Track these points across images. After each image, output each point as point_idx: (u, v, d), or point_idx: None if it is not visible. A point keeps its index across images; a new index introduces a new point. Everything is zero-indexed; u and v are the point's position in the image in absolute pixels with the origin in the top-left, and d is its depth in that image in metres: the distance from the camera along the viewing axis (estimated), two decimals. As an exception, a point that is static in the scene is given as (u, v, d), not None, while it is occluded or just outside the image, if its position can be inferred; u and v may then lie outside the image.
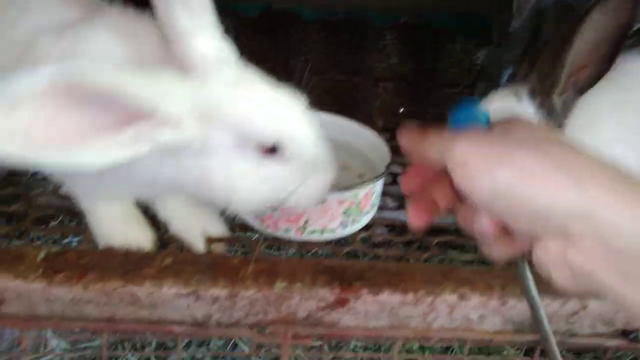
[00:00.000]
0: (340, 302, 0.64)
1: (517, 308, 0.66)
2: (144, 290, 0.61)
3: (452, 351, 1.03)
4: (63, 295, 0.60)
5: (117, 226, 0.66)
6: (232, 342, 1.09)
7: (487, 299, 0.66)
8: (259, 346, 0.83)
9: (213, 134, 0.54)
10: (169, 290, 0.61)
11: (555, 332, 0.69)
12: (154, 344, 1.22)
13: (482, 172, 0.42)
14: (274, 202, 0.61)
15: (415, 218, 0.51)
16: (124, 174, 0.56)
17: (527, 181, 0.40)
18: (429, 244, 0.79)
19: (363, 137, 0.86)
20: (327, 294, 0.64)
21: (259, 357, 0.97)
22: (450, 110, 0.49)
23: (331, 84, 1.28)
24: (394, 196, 0.92)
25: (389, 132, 0.88)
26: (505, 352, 1.02)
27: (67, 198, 0.80)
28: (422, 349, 1.08)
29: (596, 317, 0.68)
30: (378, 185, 0.75)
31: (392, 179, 0.94)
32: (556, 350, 0.58)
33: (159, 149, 0.50)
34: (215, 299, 0.62)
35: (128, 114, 0.47)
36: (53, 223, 0.88)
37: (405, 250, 0.77)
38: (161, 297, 0.61)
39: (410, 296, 0.65)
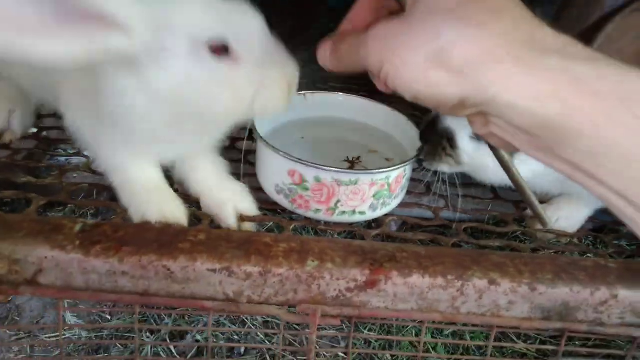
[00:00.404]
0: (371, 283, 0.65)
1: (547, 295, 0.66)
2: (178, 264, 0.61)
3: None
4: (99, 266, 0.61)
5: (152, 201, 0.67)
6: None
7: (516, 285, 0.66)
8: (288, 325, 0.84)
9: (166, 41, 0.56)
10: (203, 265, 0.62)
11: (583, 321, 0.69)
12: (168, 328, 1.25)
13: (395, 78, 0.42)
14: (241, 109, 0.62)
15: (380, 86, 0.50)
16: (115, 117, 0.61)
17: (433, 79, 0.40)
18: (458, 229, 0.78)
19: (392, 121, 0.86)
20: (358, 275, 0.64)
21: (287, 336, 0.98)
22: None
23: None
24: (421, 181, 0.92)
25: (415, 119, 0.88)
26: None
27: (100, 174, 0.82)
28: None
29: (627, 307, 0.67)
30: (409, 169, 0.75)
31: (419, 164, 0.94)
32: (535, 202, 0.61)
33: (114, 57, 0.53)
34: (249, 275, 0.62)
35: (81, 13, 0.49)
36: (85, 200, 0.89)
37: (434, 235, 0.77)
38: (195, 272, 0.62)
39: (440, 280, 0.65)
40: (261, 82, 0.60)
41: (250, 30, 0.60)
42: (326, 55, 0.52)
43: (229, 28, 0.58)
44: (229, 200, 0.73)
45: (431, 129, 0.79)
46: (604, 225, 0.92)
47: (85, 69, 0.60)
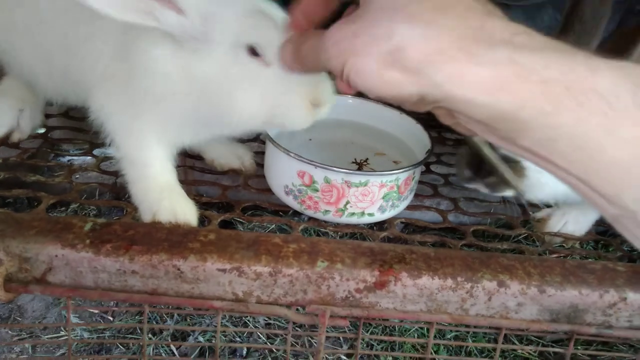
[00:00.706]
0: (380, 284, 0.65)
1: (555, 297, 0.66)
2: (188, 264, 0.61)
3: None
4: (109, 265, 0.61)
5: (164, 200, 0.67)
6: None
7: (526, 287, 0.66)
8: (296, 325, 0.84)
9: (212, 32, 0.60)
10: (213, 264, 0.62)
11: (591, 324, 0.69)
12: (171, 330, 1.25)
13: (352, 79, 0.43)
14: (262, 114, 0.63)
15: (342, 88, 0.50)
16: (151, 98, 0.64)
17: (388, 79, 0.41)
18: (465, 232, 0.79)
19: (401, 125, 0.86)
20: (367, 276, 0.64)
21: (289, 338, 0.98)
22: None
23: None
24: (428, 184, 0.92)
25: (423, 122, 0.88)
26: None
27: (107, 173, 0.82)
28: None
29: (635, 310, 0.67)
30: (417, 172, 0.75)
31: (427, 168, 0.95)
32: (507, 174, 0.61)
33: (165, 32, 0.59)
34: (258, 275, 0.62)
35: None
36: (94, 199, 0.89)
37: (441, 237, 0.77)
38: (205, 272, 0.62)
39: (449, 281, 0.65)
40: (288, 92, 0.61)
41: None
42: (288, 56, 0.53)
43: (268, 35, 0.60)
44: (233, 151, 0.83)
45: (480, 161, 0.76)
46: (606, 230, 0.92)
47: (118, 51, 0.65)
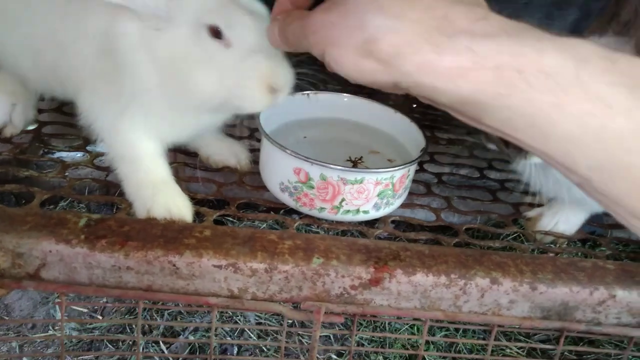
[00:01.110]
0: (375, 281, 0.65)
1: (547, 294, 0.67)
2: (184, 260, 0.61)
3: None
4: (104, 261, 0.61)
5: (158, 195, 0.67)
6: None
7: (518, 284, 0.67)
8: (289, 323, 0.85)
9: (174, 12, 0.63)
10: (209, 260, 0.62)
11: (581, 321, 0.71)
12: (161, 328, 1.24)
13: (333, 65, 0.46)
14: (221, 94, 0.64)
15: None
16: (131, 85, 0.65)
17: (364, 66, 0.44)
18: (458, 230, 0.79)
19: (395, 123, 0.87)
20: (363, 272, 0.64)
21: (280, 337, 0.98)
22: None
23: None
24: (422, 182, 0.93)
25: (417, 121, 0.89)
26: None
27: (103, 169, 0.81)
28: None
29: (624, 307, 0.69)
30: (412, 170, 0.76)
31: (420, 167, 0.95)
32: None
33: (133, 12, 0.61)
34: (254, 272, 0.63)
35: None
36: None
37: (434, 235, 0.78)
38: (200, 268, 0.62)
39: (443, 278, 0.66)
40: (244, 74, 0.63)
41: (249, 24, 0.64)
42: (275, 36, 0.56)
43: (229, 17, 0.63)
44: (229, 148, 0.85)
45: None
46: (594, 231, 0.94)
47: (100, 48, 0.66)
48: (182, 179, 0.78)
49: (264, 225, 1.35)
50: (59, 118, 0.94)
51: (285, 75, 0.66)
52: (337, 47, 0.45)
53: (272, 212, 0.79)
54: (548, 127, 0.41)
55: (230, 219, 1.33)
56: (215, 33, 0.63)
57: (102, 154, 0.83)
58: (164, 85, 0.66)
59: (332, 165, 0.68)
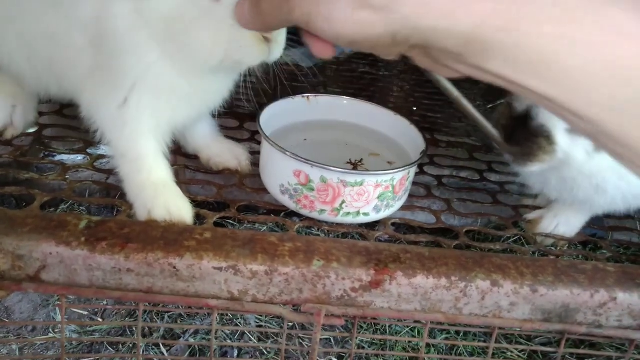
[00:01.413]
0: (375, 284, 0.65)
1: (548, 297, 0.67)
2: (184, 262, 0.61)
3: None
4: (105, 263, 0.61)
5: (159, 197, 0.67)
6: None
7: (518, 287, 0.67)
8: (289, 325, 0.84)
9: None
10: (209, 262, 0.62)
11: (582, 324, 0.70)
12: (161, 331, 1.24)
13: (322, 29, 0.43)
14: (219, 51, 0.64)
15: (322, 51, 0.50)
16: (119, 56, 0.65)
17: (359, 18, 0.41)
18: (458, 232, 0.79)
19: (394, 126, 0.87)
20: (363, 275, 0.64)
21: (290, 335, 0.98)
22: None
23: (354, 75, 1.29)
24: (422, 185, 0.93)
25: (417, 124, 0.89)
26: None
27: (104, 172, 0.81)
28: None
29: (625, 309, 0.69)
30: (412, 173, 0.76)
31: (420, 169, 0.95)
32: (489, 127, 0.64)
33: None
34: (254, 274, 0.62)
35: None
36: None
37: (435, 237, 0.78)
38: (201, 270, 0.62)
39: (443, 280, 0.66)
40: (236, 28, 0.60)
41: None
42: (245, 13, 0.52)
43: None
44: (229, 151, 0.85)
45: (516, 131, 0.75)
46: (594, 233, 0.94)
47: (94, 38, 0.65)
48: (182, 182, 0.78)
49: (264, 228, 1.35)
50: (60, 121, 0.94)
51: None
52: (326, 4, 0.42)
53: (272, 215, 0.79)
54: (554, 63, 0.37)
55: (231, 221, 1.33)
56: None
57: (102, 157, 0.83)
58: (165, 55, 0.66)
59: (332, 168, 0.68)
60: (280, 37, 0.66)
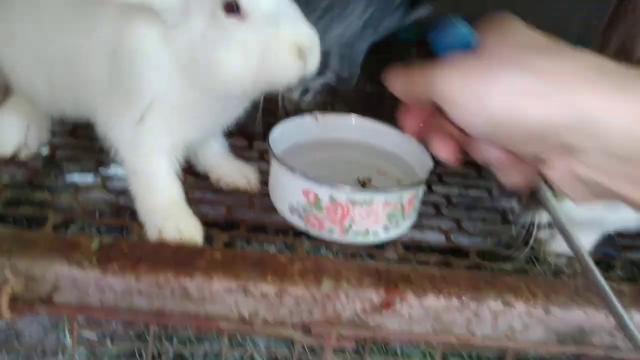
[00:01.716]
0: (386, 304, 0.64)
1: (561, 318, 0.66)
2: (195, 283, 0.61)
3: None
4: (116, 284, 0.61)
5: (170, 217, 0.67)
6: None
7: (531, 307, 0.66)
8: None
9: (191, 4, 0.62)
10: (220, 284, 0.62)
11: (598, 346, 0.69)
12: (170, 354, 1.23)
13: (471, 104, 0.41)
14: (250, 74, 0.62)
15: (443, 151, 0.50)
16: (138, 81, 0.66)
17: (516, 104, 0.39)
18: (469, 252, 0.79)
19: (402, 144, 0.87)
20: (373, 295, 0.64)
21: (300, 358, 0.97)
22: (431, 32, 0.48)
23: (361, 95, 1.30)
24: (430, 204, 0.92)
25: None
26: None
27: (115, 192, 0.82)
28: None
29: (641, 330, 0.67)
30: (420, 191, 0.76)
31: (428, 188, 0.95)
32: (599, 278, 0.54)
33: (150, 13, 0.61)
34: (264, 295, 0.62)
35: None
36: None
37: (445, 257, 0.77)
38: (211, 291, 0.62)
39: (454, 301, 0.65)
40: (269, 42, 0.60)
41: None
42: (396, 84, 0.50)
43: None
44: (239, 170, 0.85)
45: None
46: (607, 252, 0.93)
47: (112, 57, 0.66)
48: (192, 201, 0.79)
49: (272, 247, 1.34)
50: (72, 141, 0.96)
51: (310, 34, 0.62)
52: (480, 87, 0.40)
53: (281, 235, 0.79)
54: None
55: (240, 241, 1.33)
56: (230, 8, 0.60)
57: (114, 178, 0.84)
58: (189, 81, 0.65)
59: (340, 186, 0.68)
60: (314, 48, 0.63)
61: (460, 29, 0.46)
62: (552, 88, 0.39)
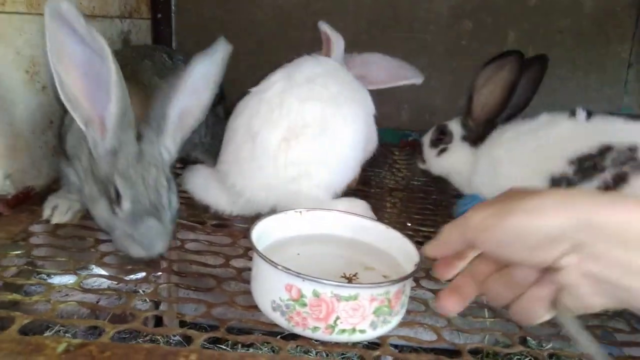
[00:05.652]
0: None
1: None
2: (166, 389, 0.57)
3: None
4: (80, 393, 0.56)
5: None
6: None
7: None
8: None
9: None
10: (194, 389, 0.57)
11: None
12: None
13: (494, 225, 0.51)
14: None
15: (448, 302, 0.62)
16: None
17: (527, 219, 0.49)
18: (461, 350, 0.75)
19: (388, 239, 0.87)
20: (361, 401, 0.59)
21: None
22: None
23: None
24: (419, 299, 0.90)
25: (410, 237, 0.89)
26: None
27: (92, 292, 0.79)
28: None
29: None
30: (408, 286, 0.74)
31: (416, 282, 0.93)
32: None
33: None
34: (242, 402, 0.57)
35: None
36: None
37: (436, 356, 0.73)
38: (184, 398, 0.57)
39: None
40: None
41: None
42: (434, 250, 0.63)
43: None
44: None
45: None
46: (610, 352, 0.88)
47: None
48: (172, 301, 0.76)
49: (252, 349, 1.27)
50: (51, 241, 0.94)
51: None
52: (486, 218, 0.52)
53: (262, 334, 0.75)
54: None
55: (221, 344, 1.25)
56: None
57: (90, 277, 0.81)
58: None
59: (324, 281, 0.66)
60: None
61: (476, 198, 0.59)
62: (554, 203, 0.48)
